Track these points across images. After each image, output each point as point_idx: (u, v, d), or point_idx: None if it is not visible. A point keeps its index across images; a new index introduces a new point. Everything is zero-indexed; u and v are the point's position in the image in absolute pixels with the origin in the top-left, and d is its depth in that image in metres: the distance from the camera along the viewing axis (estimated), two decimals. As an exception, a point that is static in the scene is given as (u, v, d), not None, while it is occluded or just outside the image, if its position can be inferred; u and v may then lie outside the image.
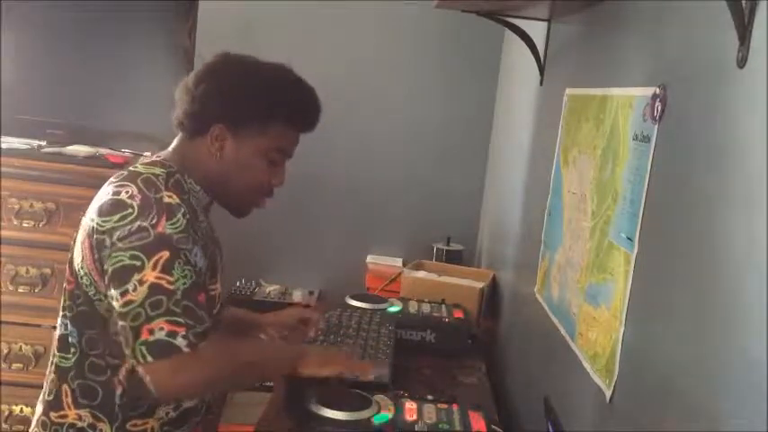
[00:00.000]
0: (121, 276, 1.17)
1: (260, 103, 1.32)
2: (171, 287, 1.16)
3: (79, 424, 1.28)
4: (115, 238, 1.19)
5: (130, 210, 1.20)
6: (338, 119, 3.03)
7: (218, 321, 1.40)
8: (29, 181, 2.42)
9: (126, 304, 1.17)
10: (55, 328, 1.35)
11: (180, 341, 1.15)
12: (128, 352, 1.18)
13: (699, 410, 0.90)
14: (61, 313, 1.31)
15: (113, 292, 1.19)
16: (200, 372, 1.18)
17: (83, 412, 1.28)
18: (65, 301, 1.31)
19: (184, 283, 1.18)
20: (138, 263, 1.17)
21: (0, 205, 2.40)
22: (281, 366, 1.42)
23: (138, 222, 1.19)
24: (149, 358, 1.15)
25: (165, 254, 1.17)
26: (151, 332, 1.15)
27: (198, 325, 1.18)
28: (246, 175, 1.34)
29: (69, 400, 1.28)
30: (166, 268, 1.17)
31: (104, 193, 1.26)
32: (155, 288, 1.16)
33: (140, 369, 1.18)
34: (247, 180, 1.35)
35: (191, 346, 1.16)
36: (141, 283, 1.16)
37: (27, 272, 2.44)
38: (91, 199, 1.30)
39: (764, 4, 0.83)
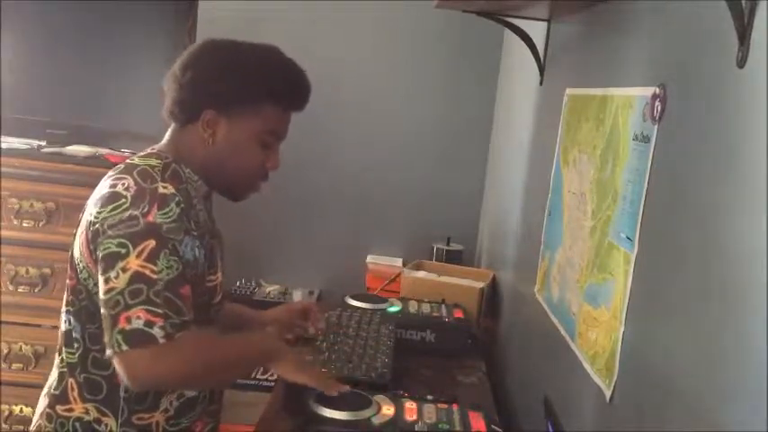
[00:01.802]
0: (107, 263, 1.18)
1: (248, 84, 1.31)
2: (153, 276, 1.16)
3: (86, 418, 1.28)
4: (106, 226, 1.19)
5: (123, 200, 1.21)
6: (338, 119, 3.05)
7: (219, 311, 1.41)
8: (29, 181, 2.42)
9: (107, 291, 1.16)
10: (55, 327, 1.35)
11: (157, 331, 1.14)
12: (105, 340, 1.17)
13: (699, 410, 0.90)
14: (64, 309, 1.32)
15: (100, 279, 1.19)
16: (174, 363, 1.17)
17: (89, 406, 1.28)
18: (67, 296, 1.31)
19: (168, 274, 1.17)
20: (124, 250, 1.17)
21: (0, 205, 2.41)
22: (255, 363, 1.42)
23: (130, 211, 1.19)
24: (125, 347, 1.14)
25: (152, 243, 1.17)
26: (128, 320, 1.14)
27: (176, 316, 1.16)
28: (240, 158, 1.34)
29: (76, 393, 1.29)
30: (151, 257, 1.17)
31: (102, 187, 1.27)
32: (136, 276, 1.15)
33: (114, 358, 1.16)
34: (242, 164, 1.35)
35: (167, 337, 1.14)
36: (124, 270, 1.16)
37: (27, 272, 2.44)
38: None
39: (764, 4, 0.83)
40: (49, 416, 1.31)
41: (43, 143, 2.55)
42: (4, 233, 2.42)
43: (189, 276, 1.23)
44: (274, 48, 1.37)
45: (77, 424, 1.28)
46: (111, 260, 1.17)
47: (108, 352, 1.17)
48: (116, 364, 1.17)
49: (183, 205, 1.23)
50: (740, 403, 0.81)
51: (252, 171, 1.37)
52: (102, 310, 1.18)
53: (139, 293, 1.15)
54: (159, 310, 1.15)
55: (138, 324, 1.14)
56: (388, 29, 3.14)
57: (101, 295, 1.18)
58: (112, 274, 1.16)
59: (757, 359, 0.76)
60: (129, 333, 1.14)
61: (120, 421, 1.28)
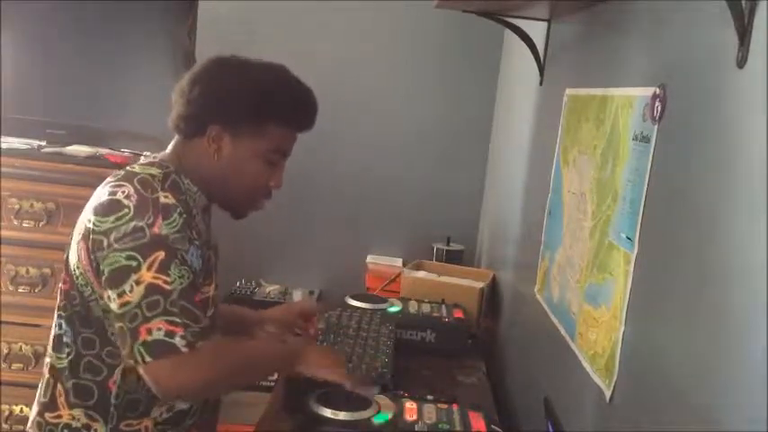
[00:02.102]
0: (118, 277, 1.17)
1: (255, 104, 1.31)
2: (168, 287, 1.16)
3: (74, 424, 1.28)
4: (112, 238, 1.19)
5: (126, 210, 1.20)
6: (338, 119, 3.04)
7: (213, 323, 1.40)
8: (29, 181, 2.42)
9: (123, 305, 1.17)
10: (54, 328, 1.35)
11: (178, 341, 1.15)
12: (125, 353, 1.18)
13: (699, 410, 0.90)
14: (56, 313, 1.31)
15: (110, 293, 1.18)
16: (199, 371, 1.18)
17: (76, 412, 1.28)
18: (60, 300, 1.31)
19: (181, 283, 1.18)
20: (134, 263, 1.17)
21: (0, 205, 2.40)
22: (280, 365, 1.42)
23: (134, 223, 1.19)
24: (148, 358, 1.15)
25: (161, 254, 1.17)
26: (149, 332, 1.15)
27: (195, 324, 1.17)
28: (244, 176, 1.34)
29: (63, 399, 1.29)
30: (162, 268, 1.17)
31: (101, 194, 1.26)
32: (151, 288, 1.16)
33: (140, 370, 1.18)
34: (245, 182, 1.35)
35: (189, 346, 1.15)
36: (138, 283, 1.16)
37: (27, 272, 2.44)
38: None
39: (764, 4, 0.83)
40: (39, 424, 1.31)
41: (43, 143, 2.55)
42: (4, 233, 2.42)
43: (197, 284, 1.24)
44: (282, 67, 1.37)
45: (66, 431, 1.28)
46: (122, 274, 1.17)
47: (130, 362, 1.18)
48: (143, 374, 1.18)
49: (185, 215, 1.23)
50: (740, 403, 0.81)
51: (255, 188, 1.37)
52: (119, 324, 1.18)
53: (157, 305, 1.15)
54: (178, 320, 1.16)
55: (159, 335, 1.15)
56: (388, 29, 3.13)
57: (115, 309, 1.18)
58: (126, 288, 1.16)
59: (757, 359, 0.76)
60: (151, 344, 1.15)
61: (109, 427, 1.27)
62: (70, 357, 1.28)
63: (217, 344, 1.23)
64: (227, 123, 1.31)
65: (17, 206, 2.42)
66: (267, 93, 1.33)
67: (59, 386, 1.29)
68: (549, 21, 2.02)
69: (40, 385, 1.35)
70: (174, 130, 1.36)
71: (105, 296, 1.20)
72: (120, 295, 1.17)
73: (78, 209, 1.32)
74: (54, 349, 1.31)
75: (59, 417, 1.29)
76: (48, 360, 1.33)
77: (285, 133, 1.36)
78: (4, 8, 2.48)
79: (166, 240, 1.19)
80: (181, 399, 1.30)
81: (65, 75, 2.61)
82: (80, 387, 1.28)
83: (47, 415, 1.30)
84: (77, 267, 1.25)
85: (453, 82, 3.15)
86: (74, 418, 1.28)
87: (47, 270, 2.44)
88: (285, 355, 1.39)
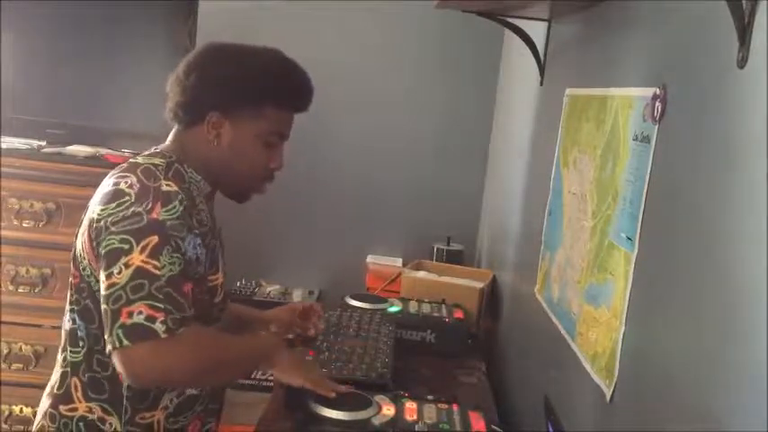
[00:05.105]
0: (109, 259, 1.17)
1: (250, 86, 1.33)
2: (156, 272, 1.15)
3: (89, 417, 1.28)
4: (109, 222, 1.19)
5: (127, 197, 1.21)
6: (338, 119, 3.05)
7: (222, 311, 1.41)
8: (29, 181, 2.42)
9: (109, 287, 1.16)
10: (55, 327, 1.35)
11: (158, 326, 1.13)
12: (106, 337, 1.16)
13: (699, 410, 0.90)
14: (68, 308, 1.31)
15: (101, 275, 1.18)
16: (175, 359, 1.16)
17: (93, 405, 1.28)
18: (71, 295, 1.31)
19: (171, 270, 1.17)
20: (127, 246, 1.16)
21: (0, 205, 2.41)
22: (255, 362, 1.42)
23: (133, 208, 1.19)
24: (126, 342, 1.13)
25: (155, 239, 1.17)
26: (130, 315, 1.13)
27: (178, 312, 1.16)
28: (245, 160, 1.35)
29: (80, 393, 1.29)
30: (154, 253, 1.16)
31: (105, 185, 1.28)
32: (139, 271, 1.15)
33: (114, 354, 1.15)
34: (246, 165, 1.36)
35: (169, 332, 1.14)
36: (127, 266, 1.15)
37: (27, 272, 2.44)
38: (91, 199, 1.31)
39: (764, 5, 0.83)
40: (51, 416, 1.31)
41: (43, 143, 2.55)
42: (4, 233, 2.42)
43: (190, 274, 1.23)
44: (277, 50, 1.38)
45: (81, 423, 1.28)
46: (114, 256, 1.17)
47: (108, 348, 1.16)
48: (115, 360, 1.16)
49: (186, 203, 1.24)
50: (740, 403, 0.81)
51: (256, 172, 1.38)
52: (103, 306, 1.17)
53: (141, 288, 1.15)
54: (161, 306, 1.14)
55: (139, 319, 1.13)
56: (387, 29, 3.13)
57: (102, 291, 1.18)
58: (115, 270, 1.16)
59: (757, 359, 0.76)
60: (130, 328, 1.13)
61: (123, 420, 1.28)
62: (84, 351, 1.28)
63: (198, 333, 1.20)
64: (224, 108, 1.32)
65: (17, 206, 2.42)
66: (263, 75, 1.34)
67: (75, 379, 1.29)
68: (549, 21, 2.02)
69: (52, 378, 1.35)
70: (173, 120, 1.37)
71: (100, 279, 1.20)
72: (108, 276, 1.16)
73: (78, 209, 1.32)
74: (69, 344, 1.31)
75: (74, 409, 1.29)
76: (63, 354, 1.33)
77: (283, 115, 1.37)
78: (4, 8, 2.48)
79: (163, 226, 1.19)
80: (153, 386, 1.28)
81: (65, 75, 2.61)
82: (95, 381, 1.28)
83: (61, 407, 1.30)
84: (83, 259, 1.26)
85: (453, 82, 3.15)
86: (90, 410, 1.28)
87: (47, 270, 2.45)
88: (262, 356, 1.39)
